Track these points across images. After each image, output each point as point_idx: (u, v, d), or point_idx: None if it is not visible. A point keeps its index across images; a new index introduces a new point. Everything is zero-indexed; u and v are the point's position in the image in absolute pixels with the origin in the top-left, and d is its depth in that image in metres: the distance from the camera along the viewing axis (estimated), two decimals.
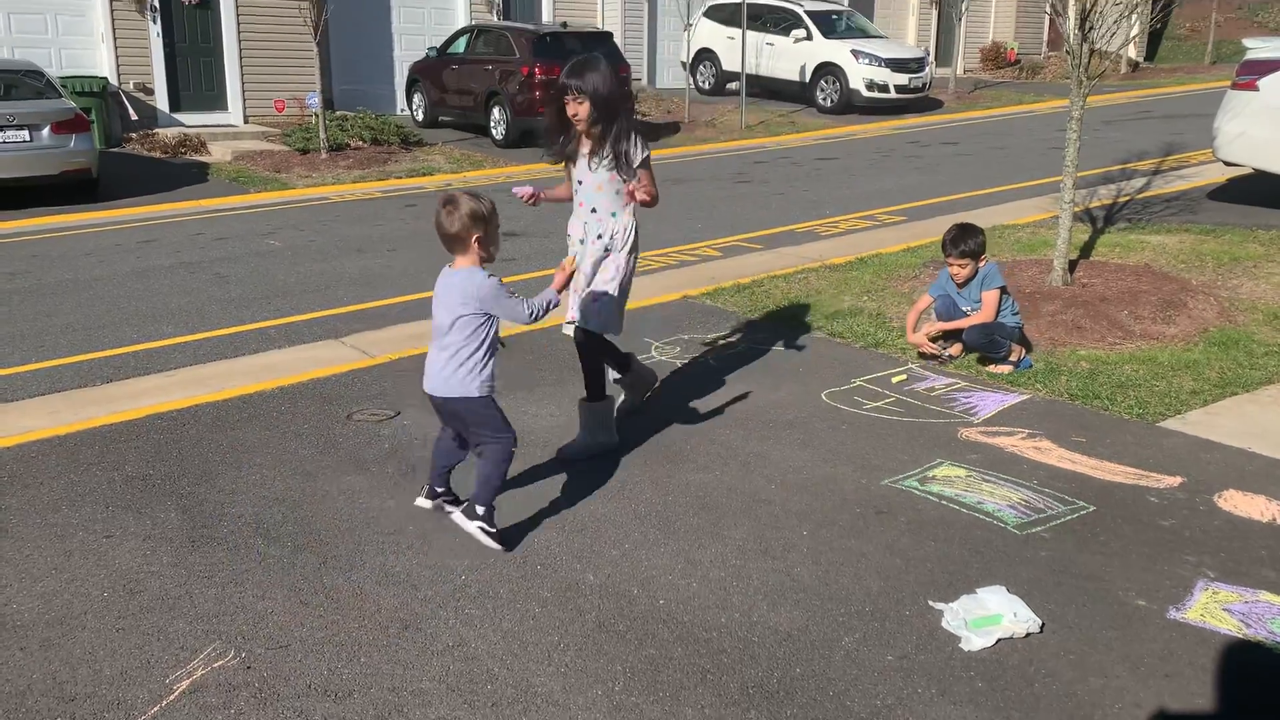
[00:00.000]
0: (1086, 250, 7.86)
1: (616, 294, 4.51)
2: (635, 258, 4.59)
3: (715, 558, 3.71)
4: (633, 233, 4.54)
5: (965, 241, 5.63)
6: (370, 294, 7.64)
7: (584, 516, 4.03)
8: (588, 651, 3.15)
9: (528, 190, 4.36)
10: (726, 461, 4.55)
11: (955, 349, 5.79)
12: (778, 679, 3.02)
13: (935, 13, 27.19)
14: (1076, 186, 6.96)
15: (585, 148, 4.47)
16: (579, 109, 4.33)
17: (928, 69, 20.18)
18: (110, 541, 3.88)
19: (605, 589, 3.50)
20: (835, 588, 3.50)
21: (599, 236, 4.50)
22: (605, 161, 4.42)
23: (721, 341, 6.24)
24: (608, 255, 4.51)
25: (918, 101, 19.96)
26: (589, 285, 4.50)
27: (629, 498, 4.20)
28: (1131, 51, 27.99)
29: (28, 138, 11.60)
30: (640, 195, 4.35)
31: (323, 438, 4.86)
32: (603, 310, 4.50)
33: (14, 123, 11.55)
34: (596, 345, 4.61)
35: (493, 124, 16.43)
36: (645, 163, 4.43)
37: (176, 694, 2.97)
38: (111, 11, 16.33)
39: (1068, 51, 6.64)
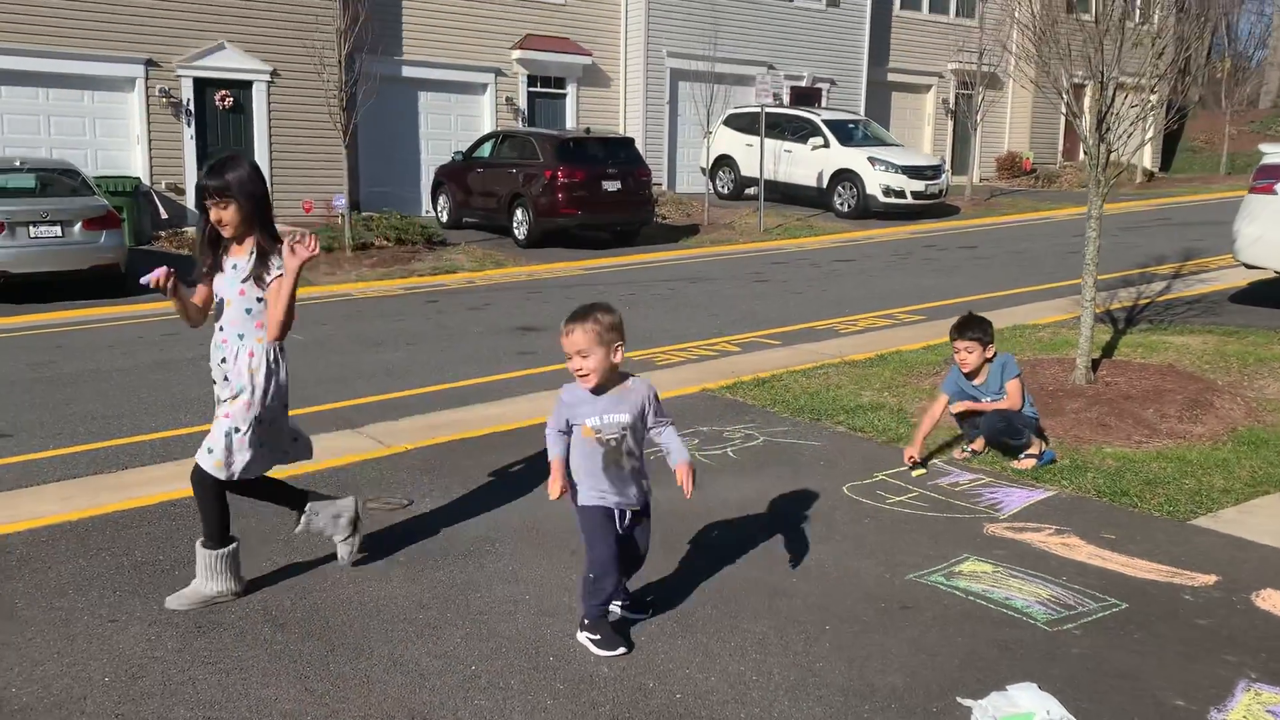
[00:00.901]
0: (1109, 350, 7.80)
1: (236, 427, 3.83)
2: (270, 392, 3.87)
3: (734, 651, 3.59)
4: (264, 362, 3.86)
5: (972, 326, 5.62)
6: (389, 386, 7.65)
7: None
8: None
9: (160, 273, 3.76)
10: (745, 554, 4.44)
11: (978, 444, 5.70)
12: None
13: (950, 123, 27.77)
14: (1097, 288, 6.96)
15: (226, 258, 3.90)
16: (223, 213, 3.79)
17: (944, 176, 20.50)
18: (115, 626, 3.80)
19: (620, 681, 3.38)
20: (859, 683, 3.36)
21: (222, 361, 3.88)
22: (240, 273, 3.85)
23: (741, 433, 6.18)
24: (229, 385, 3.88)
25: (934, 208, 20.22)
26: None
27: (644, 590, 4.09)
28: (1147, 161, 28.40)
29: (59, 233, 11.87)
30: (269, 313, 3.81)
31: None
32: (214, 441, 3.85)
33: (47, 219, 11.85)
34: (203, 484, 3.91)
35: (515, 225, 16.72)
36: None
37: None
38: (148, 115, 16.89)
39: (1085, 153, 6.71)
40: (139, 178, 16.42)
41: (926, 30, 26.75)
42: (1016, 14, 7.72)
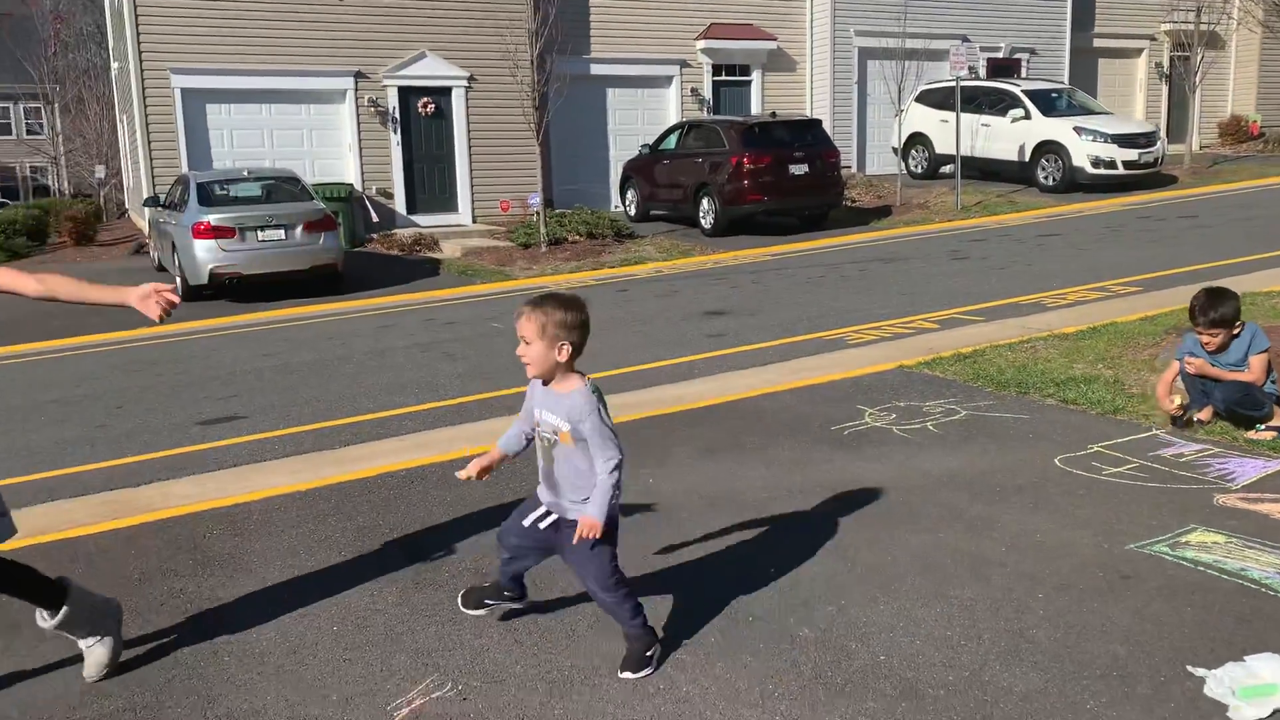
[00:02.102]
0: None
1: None
2: None
3: (940, 616, 3.48)
4: None
5: (1217, 308, 5.15)
6: (584, 368, 7.82)
7: (797, 575, 3.89)
8: (804, 701, 3.00)
9: None
10: (950, 524, 4.30)
11: (1205, 413, 5.30)
12: None
13: (1165, 88, 25.92)
14: None
15: None
16: None
17: (1159, 144, 19.15)
18: (341, 582, 4.06)
19: (821, 643, 3.34)
20: (1076, 650, 3.20)
21: None
22: None
23: (941, 408, 5.98)
24: None
25: (1149, 178, 18.91)
26: None
27: (844, 558, 4.03)
28: None
29: (283, 236, 12.78)
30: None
31: None
32: None
33: (273, 223, 12.78)
34: None
35: (701, 214, 16.76)
36: None
37: None
38: (359, 125, 17.94)
39: None
40: (351, 184, 17.48)
41: None
42: None
